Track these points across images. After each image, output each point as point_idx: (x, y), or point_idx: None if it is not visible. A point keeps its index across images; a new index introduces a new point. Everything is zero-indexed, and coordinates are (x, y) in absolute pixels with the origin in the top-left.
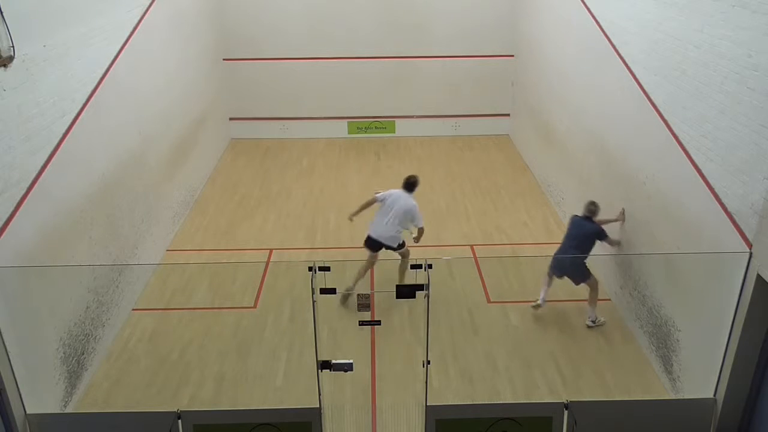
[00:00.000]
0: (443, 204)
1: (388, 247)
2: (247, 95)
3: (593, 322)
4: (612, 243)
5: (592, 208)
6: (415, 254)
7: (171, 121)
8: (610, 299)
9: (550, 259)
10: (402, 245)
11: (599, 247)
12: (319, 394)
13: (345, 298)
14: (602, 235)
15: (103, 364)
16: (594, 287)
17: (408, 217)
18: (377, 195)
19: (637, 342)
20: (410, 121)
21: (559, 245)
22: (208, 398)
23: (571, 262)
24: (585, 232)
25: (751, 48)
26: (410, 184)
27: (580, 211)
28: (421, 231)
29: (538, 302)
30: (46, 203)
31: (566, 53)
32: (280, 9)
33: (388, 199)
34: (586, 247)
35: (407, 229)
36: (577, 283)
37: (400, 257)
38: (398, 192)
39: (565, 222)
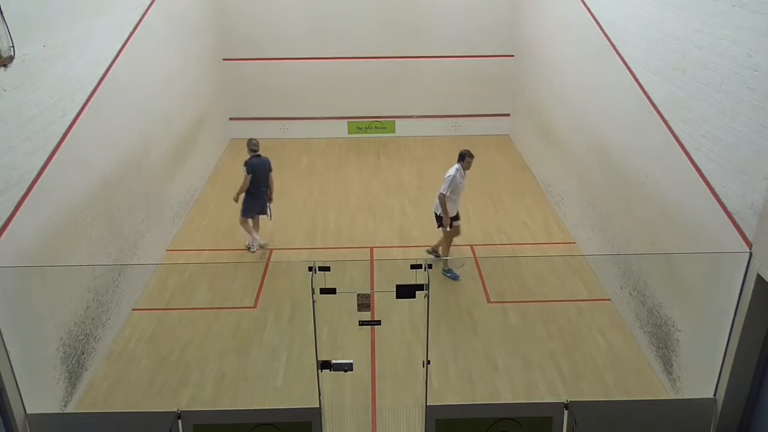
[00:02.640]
0: None
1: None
2: (247, 95)
3: (252, 245)
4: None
5: (255, 141)
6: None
7: (171, 121)
8: (610, 299)
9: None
10: (439, 218)
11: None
12: (319, 394)
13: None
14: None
15: (103, 364)
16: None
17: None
18: None
19: (637, 342)
20: (410, 121)
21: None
22: (208, 398)
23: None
24: (266, 167)
25: (751, 48)
26: (459, 155)
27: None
28: (439, 197)
29: (257, 245)
30: (46, 203)
31: (566, 53)
32: (279, 9)
33: None
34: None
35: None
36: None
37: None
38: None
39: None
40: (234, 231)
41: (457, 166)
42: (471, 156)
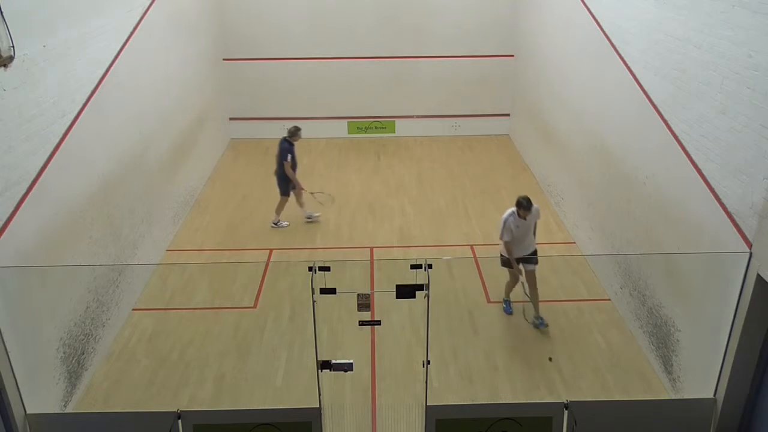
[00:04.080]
0: (443, 204)
1: None
2: (247, 95)
3: (275, 223)
4: (288, 172)
5: (293, 129)
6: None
7: (171, 121)
8: (610, 299)
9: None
10: (504, 260)
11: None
12: (319, 394)
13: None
14: (285, 156)
15: (103, 364)
16: (298, 193)
17: None
18: None
19: (637, 342)
20: (410, 121)
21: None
22: (208, 398)
23: (278, 175)
24: (281, 148)
25: (751, 48)
26: (516, 201)
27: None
28: (504, 243)
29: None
30: (46, 203)
31: (566, 53)
32: (280, 9)
33: None
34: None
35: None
36: (283, 193)
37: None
38: None
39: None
40: (234, 231)
41: (511, 210)
42: (524, 208)
